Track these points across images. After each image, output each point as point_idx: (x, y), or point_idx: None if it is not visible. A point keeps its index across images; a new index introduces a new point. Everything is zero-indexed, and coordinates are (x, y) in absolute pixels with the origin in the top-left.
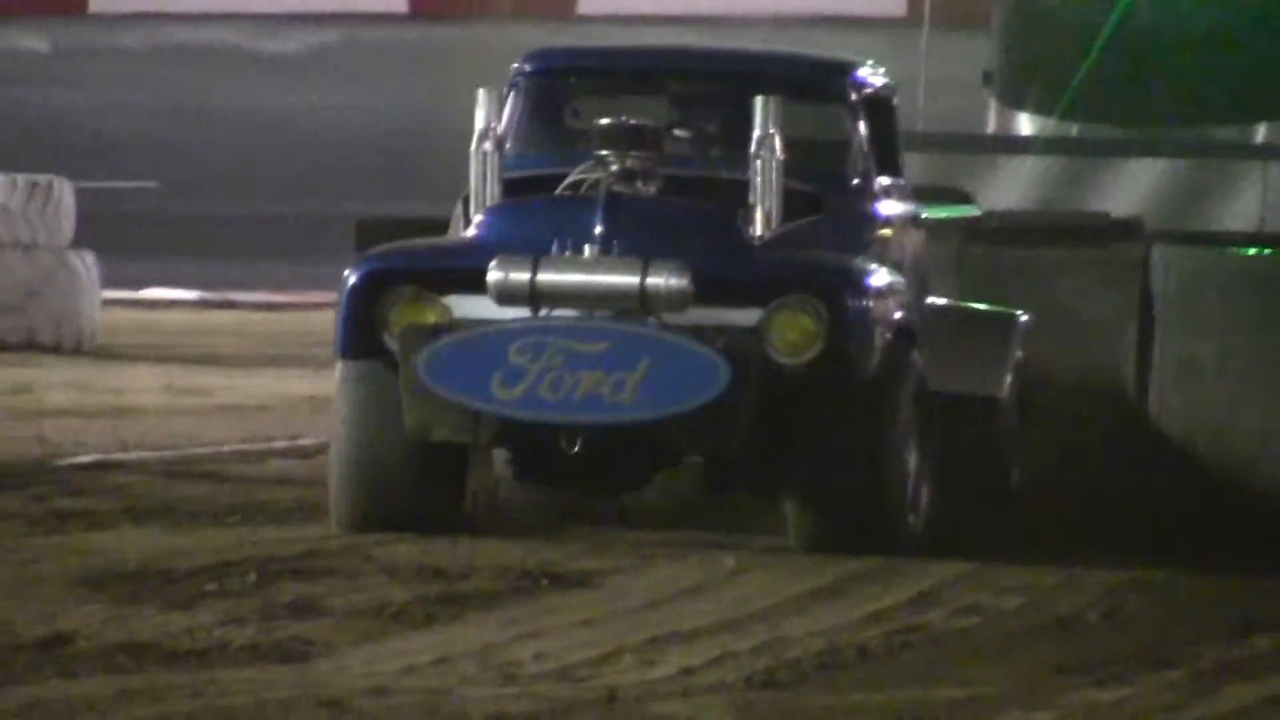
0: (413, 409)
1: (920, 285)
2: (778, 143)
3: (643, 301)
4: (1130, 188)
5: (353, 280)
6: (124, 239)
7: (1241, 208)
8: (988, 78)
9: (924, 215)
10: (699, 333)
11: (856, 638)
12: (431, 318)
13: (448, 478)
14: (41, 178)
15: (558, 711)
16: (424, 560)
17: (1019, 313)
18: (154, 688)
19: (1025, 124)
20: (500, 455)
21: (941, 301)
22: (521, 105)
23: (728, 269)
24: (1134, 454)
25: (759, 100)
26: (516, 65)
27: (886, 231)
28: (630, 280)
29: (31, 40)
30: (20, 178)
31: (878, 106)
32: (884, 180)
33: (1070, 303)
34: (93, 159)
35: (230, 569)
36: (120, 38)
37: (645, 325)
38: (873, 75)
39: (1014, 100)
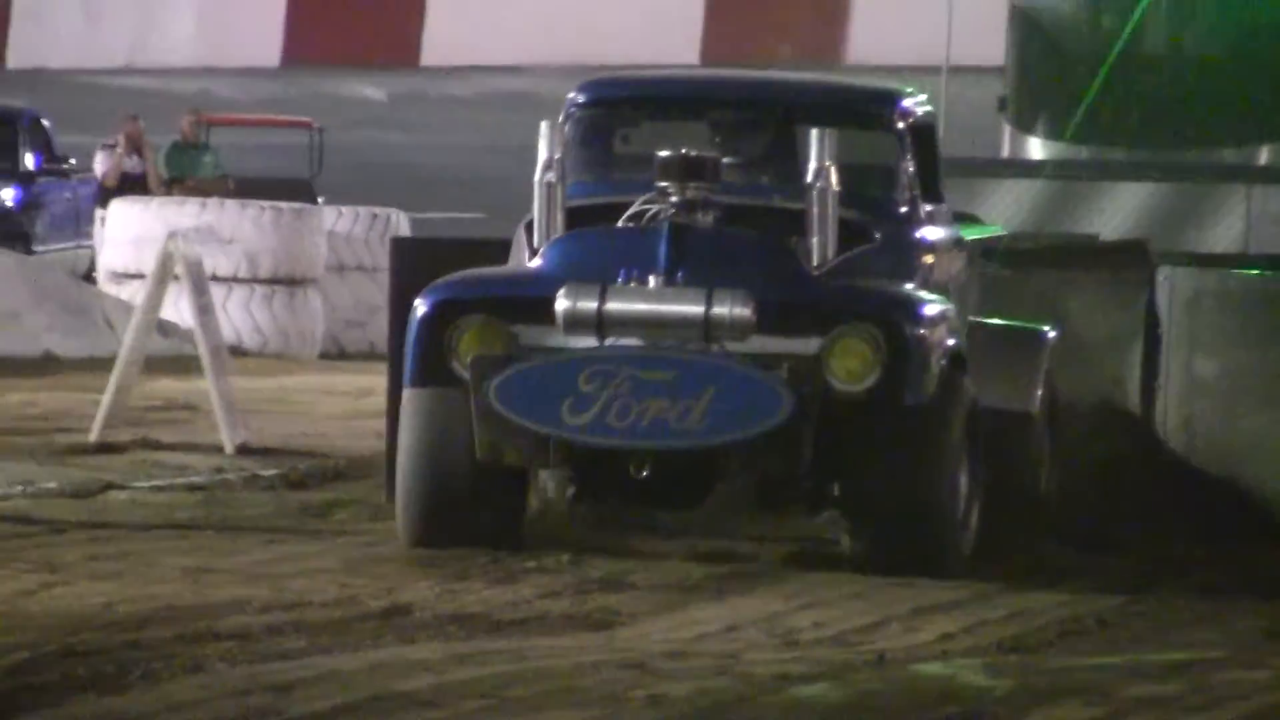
0: (485, 434)
1: (964, 308)
2: (833, 174)
3: (707, 330)
4: (1116, 209)
5: (423, 309)
6: None
7: (1225, 230)
8: (1002, 103)
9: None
10: (762, 361)
11: (1095, 608)
12: (499, 346)
13: (509, 498)
14: (381, 210)
15: (833, 672)
16: (716, 545)
17: (1047, 328)
18: (481, 652)
19: (1037, 148)
20: (550, 477)
21: (974, 320)
22: (576, 134)
23: (789, 298)
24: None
25: (814, 132)
26: (571, 95)
27: (932, 257)
28: (695, 309)
29: (370, 89)
30: (362, 210)
31: (922, 134)
32: (928, 206)
33: (1079, 321)
34: (425, 193)
35: (548, 550)
36: (447, 86)
37: (710, 354)
38: (916, 103)
39: (1026, 124)
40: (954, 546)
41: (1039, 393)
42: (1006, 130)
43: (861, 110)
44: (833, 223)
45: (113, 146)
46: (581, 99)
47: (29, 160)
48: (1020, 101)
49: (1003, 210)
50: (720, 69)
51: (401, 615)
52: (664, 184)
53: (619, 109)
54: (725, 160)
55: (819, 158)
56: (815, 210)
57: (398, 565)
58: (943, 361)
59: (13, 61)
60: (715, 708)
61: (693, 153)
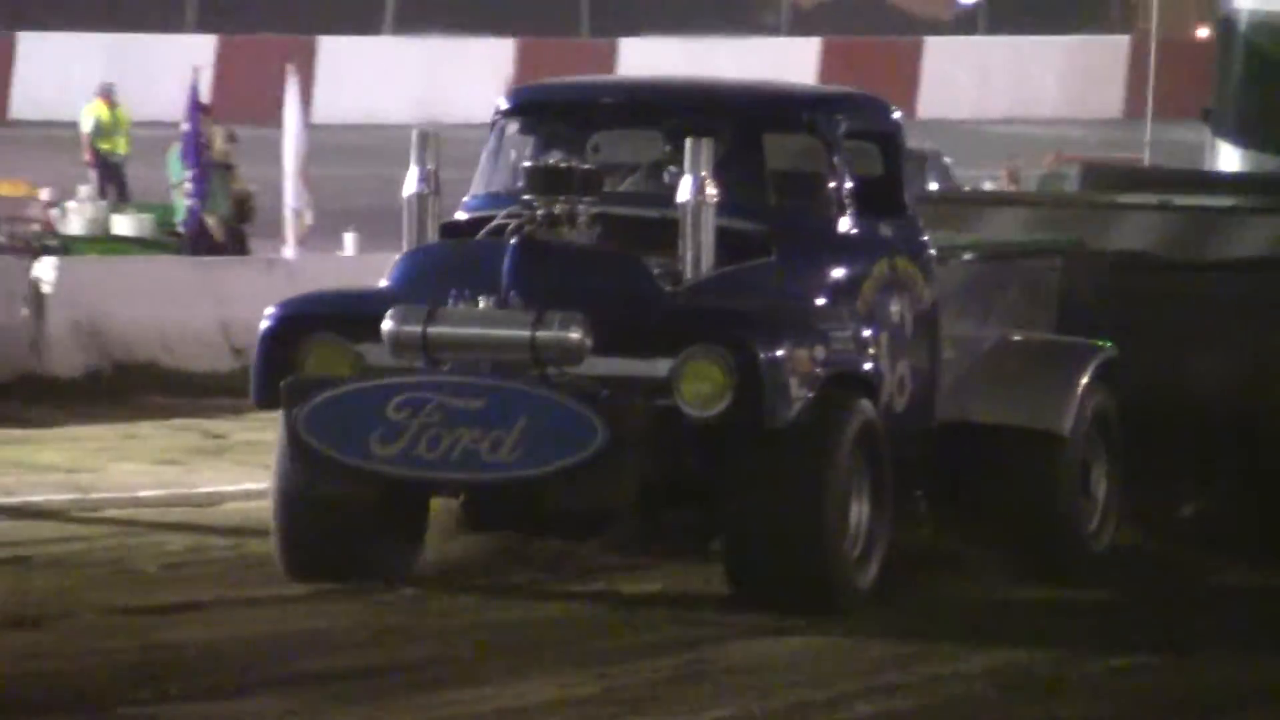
0: (297, 464)
1: (922, 324)
2: (709, 185)
3: (534, 355)
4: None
5: (266, 326)
6: None
7: None
8: (1206, 114)
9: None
10: (580, 389)
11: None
12: (343, 367)
13: (390, 526)
14: None
15: None
16: None
17: (1101, 344)
18: None
19: (1240, 159)
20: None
21: (1002, 333)
22: (494, 144)
23: (635, 318)
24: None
25: (689, 142)
26: (497, 102)
27: (847, 273)
28: (521, 333)
29: None
30: None
31: (873, 142)
32: (869, 218)
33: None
34: None
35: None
36: None
37: (523, 381)
38: (863, 110)
39: (1231, 136)
40: (837, 579)
41: (1070, 412)
42: (1210, 141)
43: (784, 115)
44: (706, 236)
45: None
46: (503, 106)
47: None
48: (1225, 112)
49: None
50: (653, 76)
51: None
52: (527, 196)
53: (542, 116)
54: (642, 166)
55: (693, 168)
56: (688, 223)
57: None
58: (811, 384)
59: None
60: None
61: (561, 163)
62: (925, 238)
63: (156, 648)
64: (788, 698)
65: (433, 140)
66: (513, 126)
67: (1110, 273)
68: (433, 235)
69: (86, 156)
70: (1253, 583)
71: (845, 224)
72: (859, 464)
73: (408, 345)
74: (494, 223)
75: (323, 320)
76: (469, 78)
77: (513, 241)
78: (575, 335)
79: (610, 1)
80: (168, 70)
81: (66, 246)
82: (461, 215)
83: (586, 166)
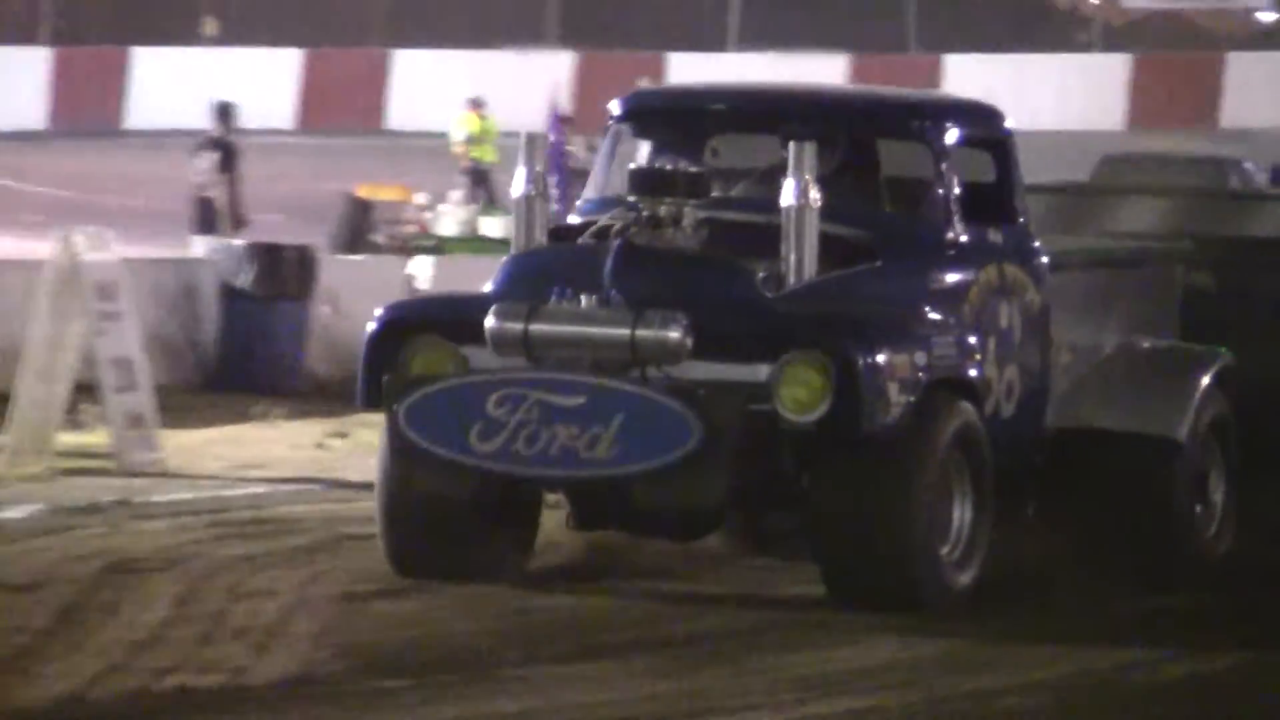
0: (396, 459)
1: (1032, 330)
2: (812, 190)
3: (633, 354)
4: None
5: (372, 330)
6: None
7: None
8: None
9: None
10: (678, 389)
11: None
12: (449, 367)
13: (498, 526)
14: None
15: None
16: None
17: (1219, 351)
18: None
19: None
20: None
21: (1122, 339)
22: (607, 148)
23: (735, 322)
24: None
25: (792, 146)
26: (611, 107)
27: (953, 279)
28: (621, 332)
29: None
30: None
31: (986, 149)
32: (979, 226)
33: None
34: None
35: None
36: None
37: (621, 380)
38: (974, 118)
39: None
40: (930, 581)
41: (1187, 418)
42: None
43: (894, 123)
44: (809, 241)
45: None
46: (619, 111)
47: None
48: None
49: None
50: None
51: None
52: (633, 198)
53: (654, 121)
54: (749, 172)
55: (796, 172)
56: (791, 228)
57: None
58: (912, 390)
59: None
60: None
61: (666, 167)
62: (1037, 244)
63: (524, 613)
64: (886, 698)
65: (540, 142)
66: (626, 131)
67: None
68: (541, 238)
69: (462, 164)
70: None
71: (954, 231)
72: (959, 467)
73: (509, 342)
74: (598, 224)
75: (428, 323)
76: None
77: (615, 243)
78: (675, 335)
79: (937, 19)
80: (531, 84)
81: (439, 246)
82: (574, 219)
83: (693, 170)
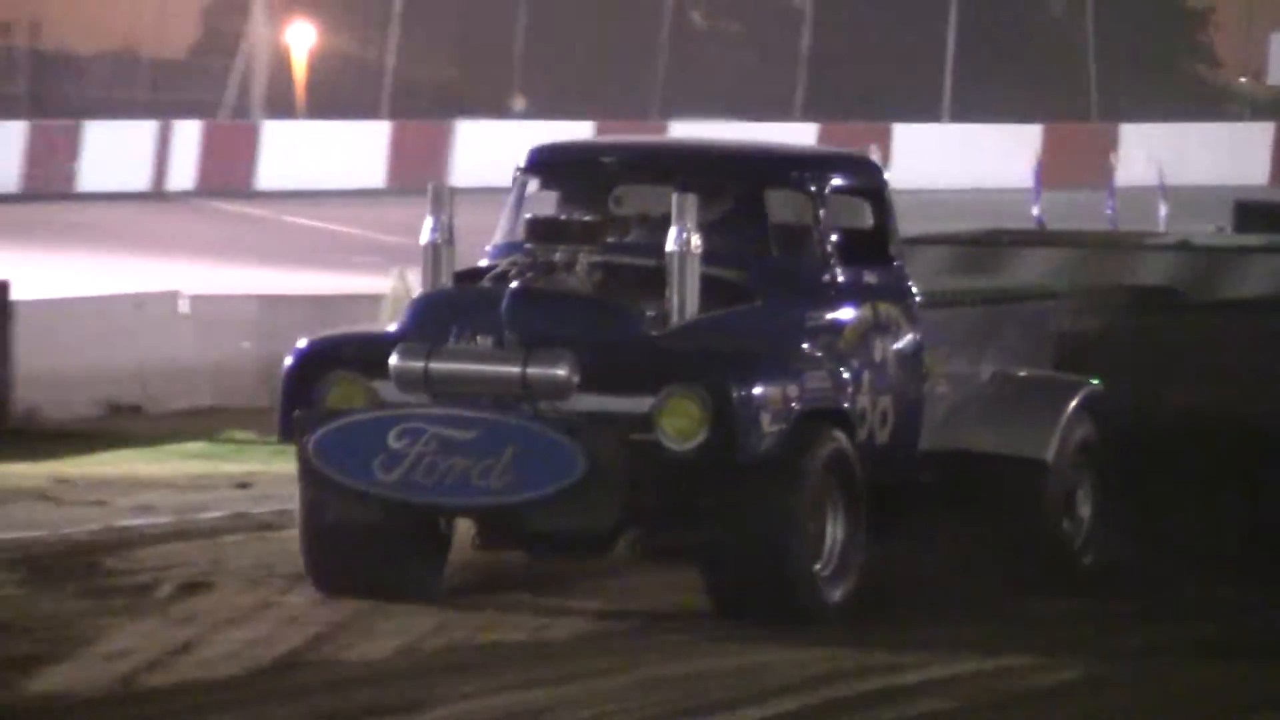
0: (308, 489)
1: (905, 363)
2: (693, 238)
3: (525, 389)
4: None
5: (289, 364)
6: None
7: None
8: None
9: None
10: (564, 422)
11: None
12: (360, 400)
13: (407, 548)
14: None
15: None
16: None
17: (1086, 380)
18: None
19: None
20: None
21: (996, 370)
22: (514, 198)
23: (618, 358)
24: None
25: (675, 197)
26: (518, 162)
27: (829, 317)
28: (513, 370)
29: None
30: None
31: (863, 198)
32: (855, 269)
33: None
34: None
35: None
36: None
37: (511, 414)
38: (853, 169)
39: None
40: (807, 596)
41: (1053, 440)
42: None
43: (776, 174)
44: (691, 283)
45: None
46: (521, 164)
47: None
48: None
49: None
50: (663, 138)
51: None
52: (529, 245)
53: (556, 174)
54: (646, 220)
55: (679, 221)
56: (675, 272)
57: None
58: (785, 419)
59: None
60: None
61: (561, 216)
62: (910, 284)
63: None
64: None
65: (446, 194)
66: (532, 183)
67: (1108, 312)
68: (447, 281)
69: None
70: (1226, 596)
71: (831, 273)
72: (831, 490)
73: (411, 380)
74: (498, 268)
75: (341, 358)
76: (1002, 154)
77: (510, 286)
78: (562, 372)
79: (1114, 92)
80: None
81: None
82: (483, 263)
83: (586, 218)
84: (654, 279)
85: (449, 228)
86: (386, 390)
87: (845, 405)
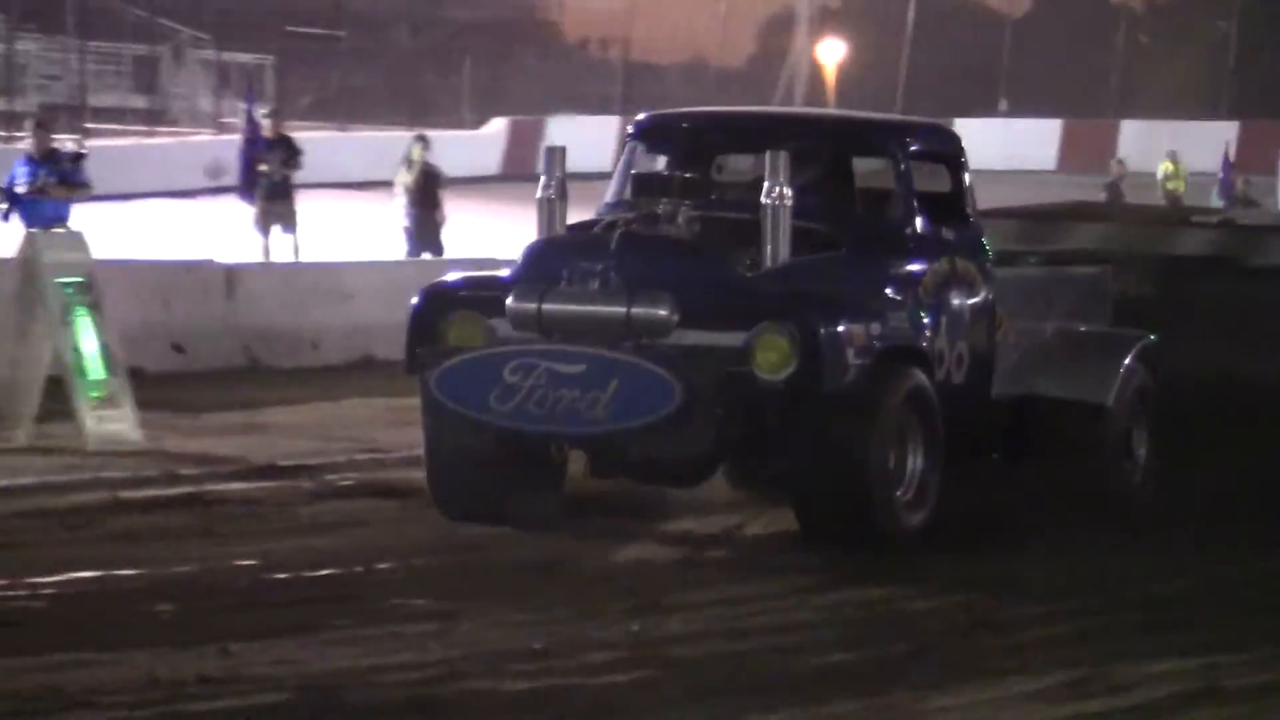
0: (429, 419)
1: (978, 313)
2: (785, 190)
3: (628, 328)
4: None
5: (414, 304)
6: None
7: None
8: None
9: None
10: (664, 357)
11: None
12: (479, 338)
13: (530, 477)
14: None
15: None
16: None
17: (1142, 334)
18: None
19: None
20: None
21: (1061, 324)
22: (623, 162)
23: (715, 298)
24: None
25: (768, 155)
26: (628, 127)
27: (909, 267)
28: (618, 310)
29: None
30: None
31: (939, 163)
32: (933, 227)
33: None
34: None
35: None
36: None
37: (615, 350)
38: (933, 138)
39: None
40: (884, 521)
41: (1113, 386)
42: None
43: (863, 141)
44: (782, 233)
45: None
46: (630, 130)
47: None
48: None
49: None
50: (760, 108)
51: None
52: (637, 199)
53: (663, 139)
54: (733, 179)
55: (771, 177)
56: (767, 222)
57: None
58: (865, 354)
59: None
60: None
61: (665, 172)
62: (984, 243)
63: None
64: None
65: (559, 155)
66: (640, 148)
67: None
68: (560, 231)
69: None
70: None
71: (911, 228)
72: (911, 422)
73: (525, 319)
74: (606, 220)
75: (461, 299)
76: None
77: (616, 234)
78: (663, 311)
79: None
80: (1208, 145)
81: None
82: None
83: (688, 175)
84: (748, 230)
85: (561, 184)
86: (502, 328)
87: (923, 345)
